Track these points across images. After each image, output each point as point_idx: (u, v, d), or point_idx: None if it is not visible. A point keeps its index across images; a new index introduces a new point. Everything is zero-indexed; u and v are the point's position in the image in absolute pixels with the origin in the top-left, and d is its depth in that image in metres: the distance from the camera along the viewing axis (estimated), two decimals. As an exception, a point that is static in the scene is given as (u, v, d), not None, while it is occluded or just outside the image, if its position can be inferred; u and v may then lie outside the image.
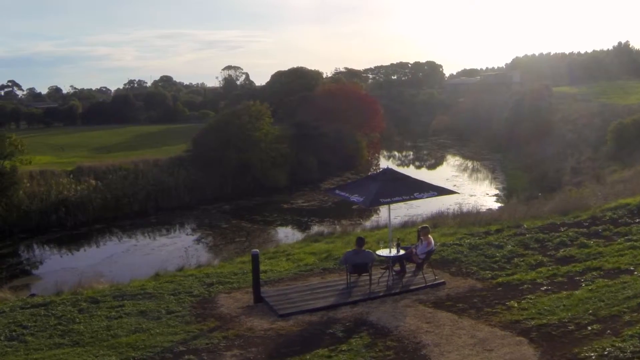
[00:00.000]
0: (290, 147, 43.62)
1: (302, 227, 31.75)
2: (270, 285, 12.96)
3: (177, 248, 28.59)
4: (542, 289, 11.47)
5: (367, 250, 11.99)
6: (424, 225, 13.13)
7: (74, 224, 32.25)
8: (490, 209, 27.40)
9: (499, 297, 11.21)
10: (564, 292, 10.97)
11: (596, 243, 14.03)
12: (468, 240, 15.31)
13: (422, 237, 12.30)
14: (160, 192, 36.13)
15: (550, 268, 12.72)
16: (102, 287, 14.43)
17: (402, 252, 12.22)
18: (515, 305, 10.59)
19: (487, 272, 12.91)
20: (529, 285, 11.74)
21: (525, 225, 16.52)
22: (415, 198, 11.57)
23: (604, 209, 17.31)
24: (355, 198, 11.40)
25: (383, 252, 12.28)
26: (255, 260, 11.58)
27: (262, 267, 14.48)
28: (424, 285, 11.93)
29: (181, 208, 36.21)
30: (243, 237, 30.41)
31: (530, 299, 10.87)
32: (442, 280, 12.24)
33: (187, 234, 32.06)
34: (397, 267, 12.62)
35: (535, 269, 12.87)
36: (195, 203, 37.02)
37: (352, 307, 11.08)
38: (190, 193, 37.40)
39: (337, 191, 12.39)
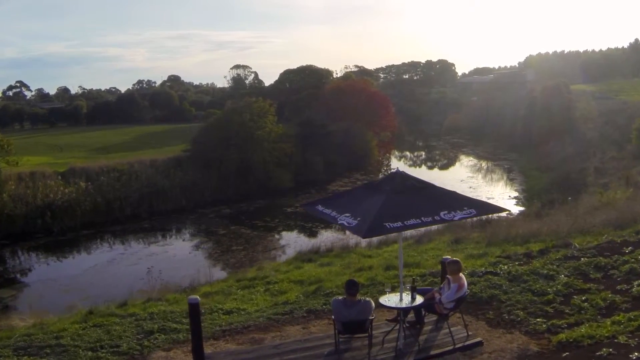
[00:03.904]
0: (296, 147, 39.30)
1: (307, 233, 28.12)
2: (228, 337, 8.63)
3: (166, 257, 25.23)
4: (633, 357, 7.09)
5: (364, 299, 7.40)
6: (454, 259, 7.99)
7: (61, 230, 28.75)
8: (511, 215, 23.20)
9: (570, 373, 6.85)
10: (675, 368, 6.60)
11: (682, 272, 9.83)
12: (505, 267, 10.93)
13: (449, 277, 7.69)
14: (155, 194, 32.17)
15: (631, 315, 8.35)
16: (22, 325, 10.50)
17: (419, 298, 7.62)
18: (604, 395, 6.24)
19: (540, 320, 8.55)
20: (610, 349, 7.31)
21: (576, 244, 12.20)
22: (443, 220, 6.76)
23: (671, 221, 13.17)
24: (344, 220, 6.68)
25: (391, 299, 7.61)
26: (194, 313, 7.18)
27: (229, 305, 10.31)
28: (451, 348, 7.49)
29: (177, 212, 32.31)
30: (241, 245, 26.58)
31: (624, 380, 6.52)
32: (479, 339, 7.76)
33: (182, 240, 28.47)
34: (411, 316, 8.18)
35: (609, 315, 8.53)
36: (192, 206, 33.11)
37: (341, 389, 6.77)
38: (187, 195, 33.38)
39: (319, 207, 7.38)
